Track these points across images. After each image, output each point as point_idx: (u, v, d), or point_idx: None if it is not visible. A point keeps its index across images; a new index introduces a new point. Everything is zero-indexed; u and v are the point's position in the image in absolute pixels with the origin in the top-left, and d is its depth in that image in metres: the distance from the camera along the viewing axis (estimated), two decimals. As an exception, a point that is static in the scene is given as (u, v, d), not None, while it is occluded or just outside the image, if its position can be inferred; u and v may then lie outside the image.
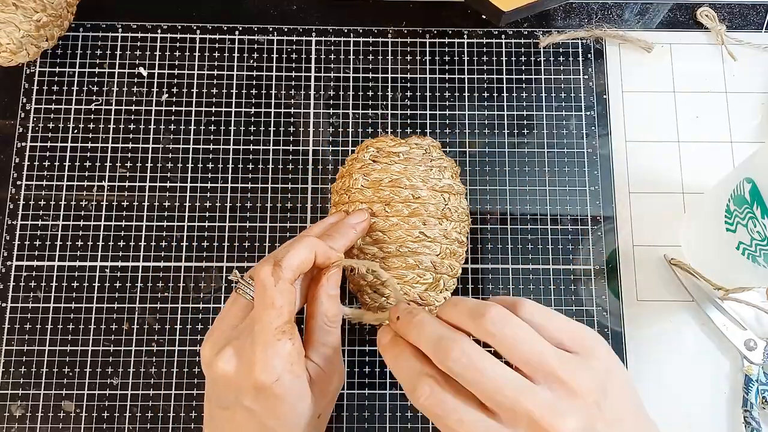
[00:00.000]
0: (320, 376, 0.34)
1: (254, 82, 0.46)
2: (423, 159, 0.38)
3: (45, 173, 0.44)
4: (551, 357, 0.27)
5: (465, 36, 0.47)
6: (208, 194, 0.44)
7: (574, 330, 0.29)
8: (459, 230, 0.38)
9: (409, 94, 0.46)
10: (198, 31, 0.47)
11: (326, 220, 0.38)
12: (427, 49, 0.47)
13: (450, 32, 0.47)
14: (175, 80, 0.46)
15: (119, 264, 0.43)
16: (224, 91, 0.46)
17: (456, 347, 0.28)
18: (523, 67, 0.47)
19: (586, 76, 0.47)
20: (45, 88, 0.46)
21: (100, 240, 0.43)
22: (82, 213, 0.44)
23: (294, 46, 0.47)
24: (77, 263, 0.43)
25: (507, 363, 0.28)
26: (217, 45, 0.47)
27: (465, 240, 0.39)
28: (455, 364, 0.27)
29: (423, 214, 0.37)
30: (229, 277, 0.35)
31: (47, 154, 0.44)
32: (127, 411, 0.41)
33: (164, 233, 0.43)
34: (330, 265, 0.35)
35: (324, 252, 0.34)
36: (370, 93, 0.46)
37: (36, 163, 0.44)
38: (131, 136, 0.45)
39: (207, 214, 0.44)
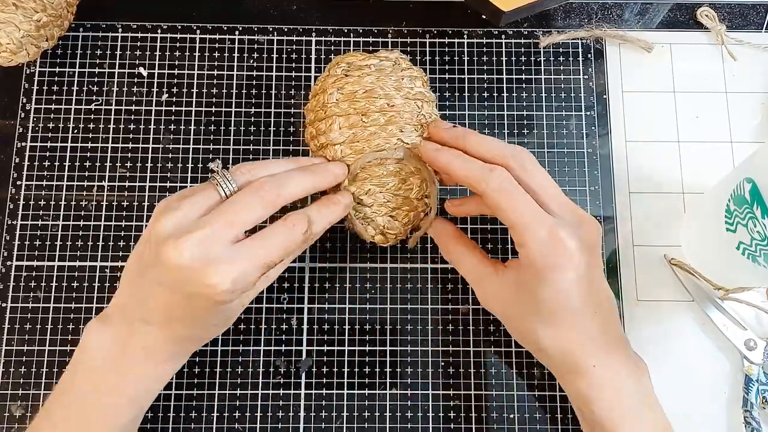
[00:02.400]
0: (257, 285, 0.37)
1: (254, 82, 0.46)
2: (393, 70, 0.39)
3: (45, 173, 0.44)
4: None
5: (465, 36, 0.47)
6: (208, 194, 0.44)
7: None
8: None
9: (409, 94, 0.46)
10: (198, 31, 0.47)
11: (312, 159, 0.39)
12: (427, 49, 0.47)
13: (450, 32, 0.47)
14: (175, 80, 0.46)
15: (119, 264, 0.43)
16: (224, 91, 0.46)
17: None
18: (523, 67, 0.47)
19: (586, 76, 0.47)
20: (45, 88, 0.46)
21: (100, 240, 0.43)
22: (82, 213, 0.44)
23: (294, 46, 0.47)
24: (77, 263, 0.43)
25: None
26: (217, 45, 0.47)
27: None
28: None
29: (399, 121, 0.38)
30: (209, 166, 0.36)
31: (47, 154, 0.44)
32: (127, 411, 0.41)
33: (164, 233, 0.43)
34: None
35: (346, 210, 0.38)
36: (370, 93, 0.46)
37: (36, 163, 0.44)
38: (131, 136, 0.45)
39: (207, 214, 0.44)
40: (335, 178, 0.37)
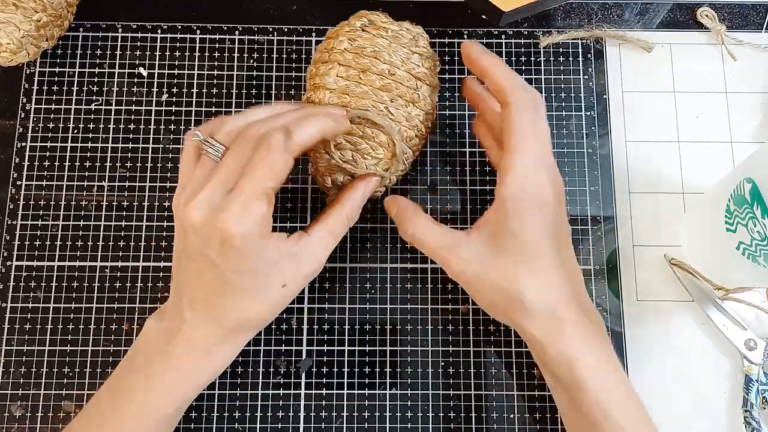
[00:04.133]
0: (305, 252, 0.36)
1: (254, 82, 0.46)
2: (409, 43, 0.39)
3: (45, 173, 0.44)
4: None
5: (465, 36, 0.47)
6: (208, 194, 0.44)
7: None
8: (422, 119, 0.39)
9: (409, 94, 0.46)
10: (198, 31, 0.47)
11: (292, 104, 0.38)
12: (427, 49, 0.47)
13: (450, 32, 0.47)
14: (175, 80, 0.46)
15: (119, 264, 0.43)
16: (224, 91, 0.46)
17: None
18: (523, 67, 0.47)
19: (586, 76, 0.47)
20: (45, 88, 0.46)
21: (100, 240, 0.43)
22: (82, 213, 0.44)
23: (294, 46, 0.47)
24: (77, 263, 0.43)
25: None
26: (217, 45, 0.47)
27: (424, 132, 0.40)
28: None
29: (393, 91, 0.38)
30: (193, 139, 0.35)
31: (47, 154, 0.44)
32: (127, 411, 0.41)
33: (164, 233, 0.43)
34: (368, 175, 0.39)
35: (332, 129, 0.36)
36: (370, 93, 0.46)
37: (36, 163, 0.44)
38: (131, 136, 0.45)
39: (207, 214, 0.44)
40: (337, 121, 0.36)
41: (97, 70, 0.46)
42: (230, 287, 0.34)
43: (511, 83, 0.36)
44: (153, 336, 0.36)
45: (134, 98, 0.46)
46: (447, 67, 0.47)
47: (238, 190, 0.33)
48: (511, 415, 0.41)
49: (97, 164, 0.44)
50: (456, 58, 0.47)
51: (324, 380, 0.41)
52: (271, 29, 0.47)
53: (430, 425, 0.41)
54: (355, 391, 0.41)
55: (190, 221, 0.33)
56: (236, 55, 0.47)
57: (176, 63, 0.46)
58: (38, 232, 0.43)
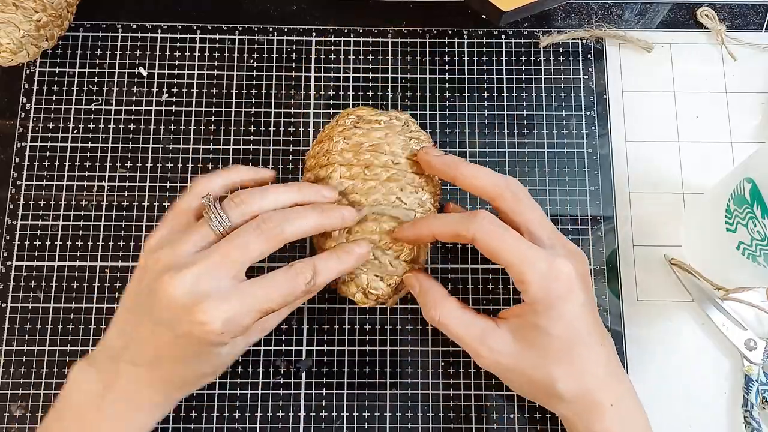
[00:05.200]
0: (231, 347, 0.37)
1: (254, 82, 0.46)
2: (402, 130, 0.38)
3: (45, 173, 0.44)
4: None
5: (465, 36, 0.47)
6: (208, 194, 0.44)
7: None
8: (432, 202, 0.39)
9: (409, 94, 0.46)
10: (198, 31, 0.47)
11: (318, 189, 0.37)
12: (427, 49, 0.47)
13: (450, 32, 0.47)
14: (175, 80, 0.46)
15: (119, 264, 0.43)
16: (224, 91, 0.46)
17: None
18: (523, 67, 0.47)
19: (586, 76, 0.47)
20: (45, 88, 0.46)
21: (100, 240, 0.43)
22: (82, 213, 0.44)
23: (294, 46, 0.47)
24: (77, 263, 0.43)
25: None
26: (217, 45, 0.47)
27: (436, 212, 0.39)
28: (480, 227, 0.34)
29: (401, 180, 0.37)
30: (202, 199, 0.34)
31: (47, 154, 0.44)
32: (127, 411, 0.41)
33: (164, 233, 0.43)
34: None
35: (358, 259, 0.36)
36: (370, 93, 0.46)
37: (36, 163, 0.44)
38: (131, 136, 0.45)
39: (207, 214, 0.44)
40: (343, 221, 0.35)
41: (97, 70, 0.46)
42: (184, 365, 0.34)
43: (495, 181, 0.36)
44: (85, 388, 0.34)
45: (134, 98, 0.46)
46: (447, 66, 0.47)
47: (242, 292, 0.32)
48: (511, 415, 0.41)
49: (97, 164, 0.44)
50: (456, 57, 0.47)
51: (324, 380, 0.41)
52: (271, 29, 0.47)
53: (430, 425, 0.41)
54: (355, 391, 0.41)
55: (166, 293, 0.31)
56: (236, 55, 0.47)
57: (176, 63, 0.46)
58: (38, 232, 0.43)
